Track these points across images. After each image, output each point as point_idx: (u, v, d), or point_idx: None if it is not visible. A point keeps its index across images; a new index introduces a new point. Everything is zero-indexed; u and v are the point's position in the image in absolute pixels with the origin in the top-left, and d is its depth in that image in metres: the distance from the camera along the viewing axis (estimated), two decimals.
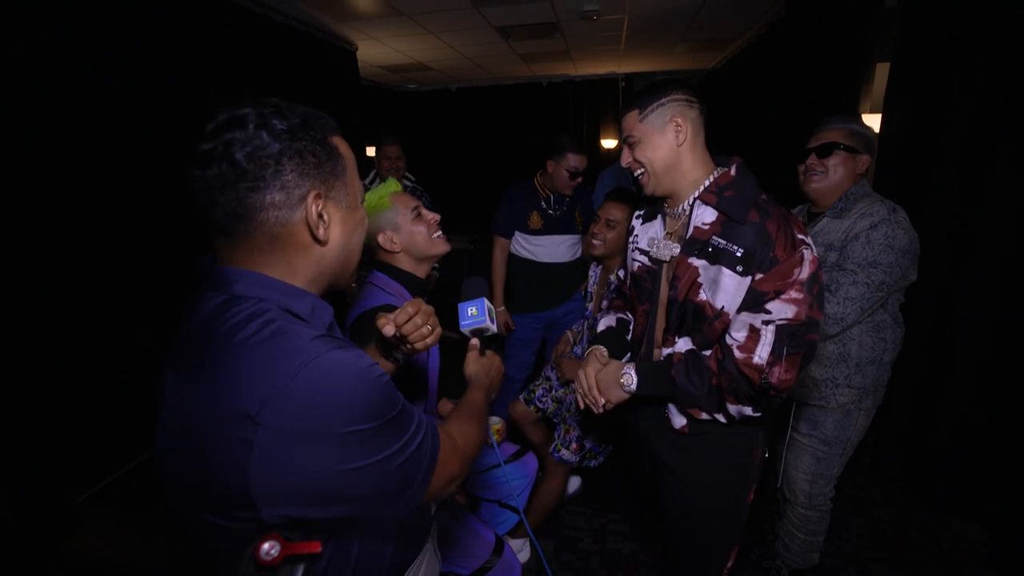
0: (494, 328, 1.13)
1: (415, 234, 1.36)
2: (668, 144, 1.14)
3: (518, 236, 2.64)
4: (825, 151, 1.56)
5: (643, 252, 1.28)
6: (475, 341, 1.13)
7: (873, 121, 2.41)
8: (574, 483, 2.40)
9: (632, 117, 1.16)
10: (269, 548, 0.49)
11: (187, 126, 2.18)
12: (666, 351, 1.22)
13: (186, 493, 0.64)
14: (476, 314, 1.10)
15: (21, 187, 1.76)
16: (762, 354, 1.05)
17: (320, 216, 0.69)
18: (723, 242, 1.10)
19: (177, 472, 0.64)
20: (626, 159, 1.20)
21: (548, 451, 2.05)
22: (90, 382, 1.99)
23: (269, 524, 0.59)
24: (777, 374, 1.04)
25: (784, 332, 1.04)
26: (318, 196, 0.68)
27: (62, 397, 1.90)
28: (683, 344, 1.20)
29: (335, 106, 3.71)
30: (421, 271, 1.42)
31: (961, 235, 2.02)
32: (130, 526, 1.65)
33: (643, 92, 1.16)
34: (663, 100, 1.13)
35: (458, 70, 5.19)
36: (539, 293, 2.64)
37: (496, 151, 6.12)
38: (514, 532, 2.04)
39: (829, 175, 1.57)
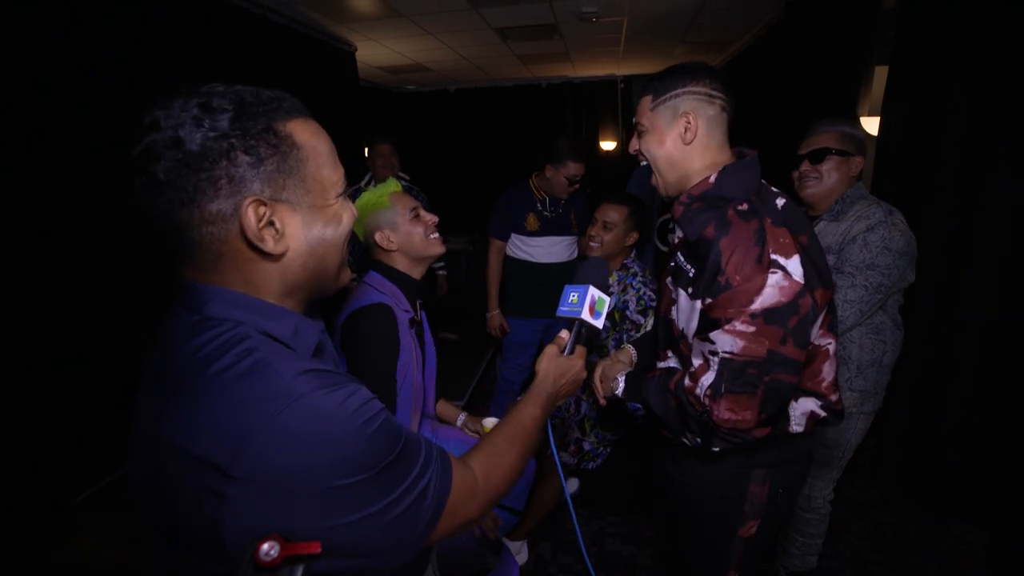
0: (596, 324, 0.96)
1: (412, 234, 1.38)
2: (675, 140, 1.01)
3: (515, 238, 2.65)
4: (818, 157, 1.56)
5: None
6: (564, 334, 0.98)
7: (872, 123, 2.42)
8: (572, 485, 2.40)
9: (645, 103, 1.04)
10: (268, 548, 0.48)
11: None
12: (660, 365, 1.21)
13: (156, 530, 0.57)
14: (575, 302, 0.95)
15: (21, 187, 1.75)
16: (704, 384, 0.95)
17: (271, 223, 0.58)
18: (682, 259, 1.02)
19: (147, 508, 0.58)
20: (633, 146, 1.10)
21: (546, 453, 2.05)
22: (90, 382, 1.98)
23: None
24: (717, 411, 0.93)
25: (726, 367, 0.92)
26: (258, 203, 0.56)
27: (62, 397, 1.89)
28: (672, 361, 1.16)
29: (334, 107, 3.71)
30: (417, 272, 1.43)
31: (960, 236, 2.02)
32: (129, 527, 1.64)
33: (662, 75, 1.02)
34: (678, 91, 0.99)
35: (457, 71, 5.19)
36: (536, 295, 2.64)
37: (495, 152, 6.12)
38: (512, 534, 2.04)
39: (823, 180, 1.57)
